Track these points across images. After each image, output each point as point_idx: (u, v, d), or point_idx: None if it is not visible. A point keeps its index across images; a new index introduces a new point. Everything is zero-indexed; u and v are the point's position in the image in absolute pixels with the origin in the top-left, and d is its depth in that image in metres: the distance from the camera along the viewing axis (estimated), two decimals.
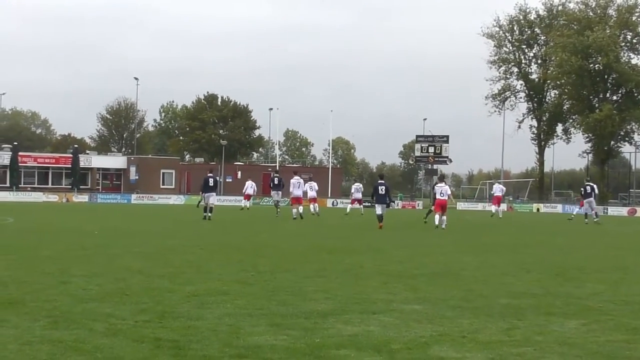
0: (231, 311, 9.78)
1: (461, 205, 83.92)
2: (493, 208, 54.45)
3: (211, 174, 40.78)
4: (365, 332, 8.62)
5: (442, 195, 35.04)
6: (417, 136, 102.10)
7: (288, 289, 11.95)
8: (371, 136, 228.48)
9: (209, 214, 38.35)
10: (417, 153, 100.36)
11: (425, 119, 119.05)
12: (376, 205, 35.20)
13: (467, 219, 48.88)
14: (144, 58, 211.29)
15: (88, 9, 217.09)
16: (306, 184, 45.09)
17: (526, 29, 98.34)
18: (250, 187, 55.40)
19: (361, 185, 56.53)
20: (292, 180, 42.20)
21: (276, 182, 47.20)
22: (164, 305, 10.07)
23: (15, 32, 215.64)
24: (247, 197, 54.99)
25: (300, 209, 41.40)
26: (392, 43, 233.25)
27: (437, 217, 34.58)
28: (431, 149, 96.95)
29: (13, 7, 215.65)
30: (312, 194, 46.41)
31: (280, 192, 47.37)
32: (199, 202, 49.90)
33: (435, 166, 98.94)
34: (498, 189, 54.18)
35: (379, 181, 35.91)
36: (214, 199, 39.87)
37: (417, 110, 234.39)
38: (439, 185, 36.21)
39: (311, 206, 46.22)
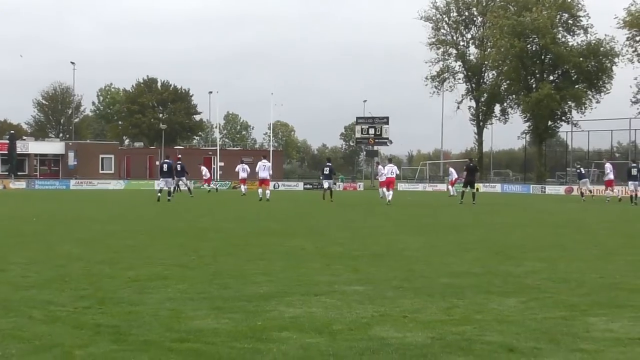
0: (172, 296, 9.74)
1: (402, 186, 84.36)
2: (451, 189, 58.93)
3: (167, 160, 42.72)
4: (307, 314, 8.64)
5: (391, 173, 41.99)
6: (358, 118, 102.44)
7: (230, 273, 11.92)
8: (312, 119, 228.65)
9: (169, 197, 41.26)
10: (358, 135, 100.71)
11: (365, 101, 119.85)
12: (323, 181, 46.27)
13: (408, 200, 49.16)
14: (87, 48, 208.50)
15: None
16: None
17: (464, 11, 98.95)
18: (242, 170, 55.27)
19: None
20: (259, 163, 44.74)
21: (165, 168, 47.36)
22: (104, 291, 9.99)
23: None
24: (243, 181, 54.85)
25: (267, 191, 44.05)
26: (335, 28, 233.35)
27: (383, 191, 42.43)
28: (371, 131, 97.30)
29: None
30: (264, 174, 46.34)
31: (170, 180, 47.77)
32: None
33: (375, 147, 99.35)
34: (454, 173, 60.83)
35: (327, 163, 46.63)
36: (170, 183, 42.52)
37: (358, 93, 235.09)
38: (389, 165, 43.16)
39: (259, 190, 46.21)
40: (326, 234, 20.42)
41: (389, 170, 42.45)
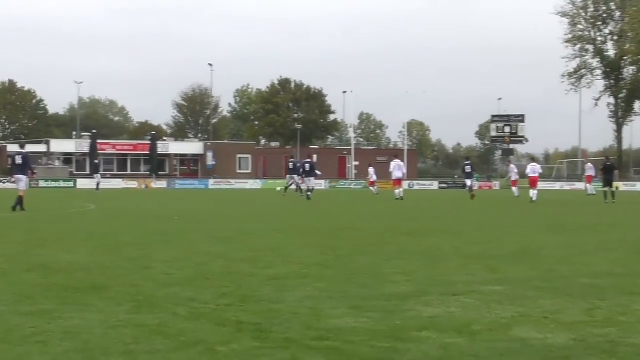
0: (311, 294, 9.82)
1: (539, 185, 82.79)
2: (589, 188, 57.04)
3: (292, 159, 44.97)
4: (446, 314, 8.59)
5: (534, 173, 43.17)
6: (493, 116, 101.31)
7: (367, 272, 11.96)
8: (447, 117, 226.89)
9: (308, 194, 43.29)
10: (493, 133, 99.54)
11: (500, 99, 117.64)
12: (465, 180, 49.37)
13: (545, 198, 48.29)
14: (221, 47, 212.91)
15: None
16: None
17: (601, 5, 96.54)
18: (373, 173, 57.22)
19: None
20: (392, 163, 45.75)
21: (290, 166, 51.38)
22: (245, 289, 10.16)
23: (93, 22, 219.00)
24: (372, 183, 56.88)
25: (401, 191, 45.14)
26: (468, 24, 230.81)
27: (530, 191, 42.29)
28: (507, 129, 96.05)
29: None
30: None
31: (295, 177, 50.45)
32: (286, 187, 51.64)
33: (511, 146, 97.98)
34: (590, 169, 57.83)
35: (466, 162, 49.53)
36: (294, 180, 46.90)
37: (493, 91, 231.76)
38: (531, 164, 44.25)
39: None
40: (462, 233, 20.25)
41: (531, 170, 43.37)
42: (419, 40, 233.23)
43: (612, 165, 43.81)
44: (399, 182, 45.11)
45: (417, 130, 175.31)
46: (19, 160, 29.47)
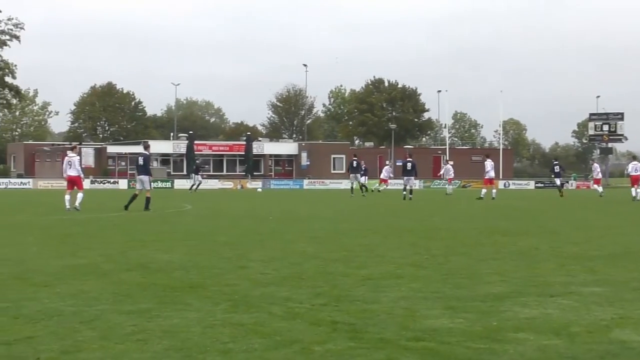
0: (406, 294, 9.79)
1: None
2: None
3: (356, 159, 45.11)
4: (544, 315, 8.47)
5: (636, 171, 42.97)
6: (591, 114, 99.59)
7: (462, 272, 11.87)
8: (543, 116, 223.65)
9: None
10: (591, 132, 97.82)
11: (598, 97, 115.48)
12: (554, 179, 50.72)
13: None
14: (316, 49, 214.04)
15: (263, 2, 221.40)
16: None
17: None
18: (390, 172, 57.72)
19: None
20: (485, 162, 45.93)
21: (354, 165, 51.42)
22: (339, 289, 10.18)
23: (191, 27, 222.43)
24: (384, 181, 57.62)
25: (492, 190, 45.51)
26: (563, 23, 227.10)
27: (632, 190, 42.50)
28: (605, 127, 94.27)
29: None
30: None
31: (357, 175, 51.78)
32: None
33: (610, 144, 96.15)
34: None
35: (554, 162, 51.81)
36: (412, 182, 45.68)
37: (589, 88, 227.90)
38: (633, 163, 44.11)
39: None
40: (560, 233, 19.93)
41: (633, 168, 43.70)
42: (516, 40, 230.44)
43: None
44: (491, 181, 45.06)
45: (512, 129, 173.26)
46: (140, 161, 30.24)
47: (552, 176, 54.59)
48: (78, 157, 30.39)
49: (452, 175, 59.15)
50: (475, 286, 10.46)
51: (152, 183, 29.80)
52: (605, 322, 8.12)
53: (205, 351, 6.81)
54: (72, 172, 29.65)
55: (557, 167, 52.78)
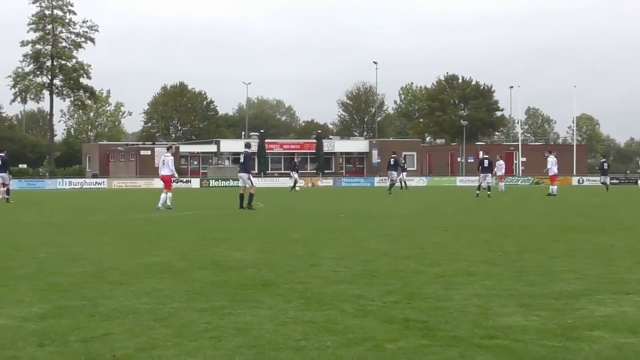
0: (479, 292, 9.73)
1: None
2: None
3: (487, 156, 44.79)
4: (619, 313, 8.35)
5: None
6: None
7: (536, 269, 11.75)
8: (618, 113, 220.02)
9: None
10: None
11: None
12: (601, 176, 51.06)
13: None
14: (390, 48, 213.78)
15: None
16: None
17: None
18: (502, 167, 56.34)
19: None
20: (548, 159, 44.66)
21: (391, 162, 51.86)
22: (412, 287, 10.15)
23: (264, 26, 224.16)
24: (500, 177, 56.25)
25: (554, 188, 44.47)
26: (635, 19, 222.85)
27: None
28: None
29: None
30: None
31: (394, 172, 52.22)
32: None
33: None
34: None
35: (602, 159, 49.72)
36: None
37: None
38: None
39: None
40: (636, 230, 19.59)
41: None
42: (588, 36, 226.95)
43: None
44: (555, 177, 44.58)
45: (586, 124, 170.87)
46: (241, 158, 30.90)
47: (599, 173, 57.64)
48: (172, 157, 31.51)
49: (503, 172, 58.08)
50: (549, 284, 10.35)
51: (252, 179, 30.22)
52: None
53: (278, 348, 6.85)
54: (165, 172, 30.60)
55: (605, 164, 55.08)
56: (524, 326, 7.71)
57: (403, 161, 62.96)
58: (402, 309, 8.61)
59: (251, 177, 30.43)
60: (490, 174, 44.16)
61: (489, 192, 42.38)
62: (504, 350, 6.77)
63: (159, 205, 29.84)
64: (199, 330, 7.62)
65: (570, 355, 6.60)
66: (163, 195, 30.20)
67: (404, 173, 61.34)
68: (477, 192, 42.79)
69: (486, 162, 43.53)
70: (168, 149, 32.45)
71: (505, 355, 6.60)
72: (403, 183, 59.28)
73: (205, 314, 8.41)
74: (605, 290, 9.82)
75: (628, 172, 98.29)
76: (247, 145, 31.93)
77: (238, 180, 31.46)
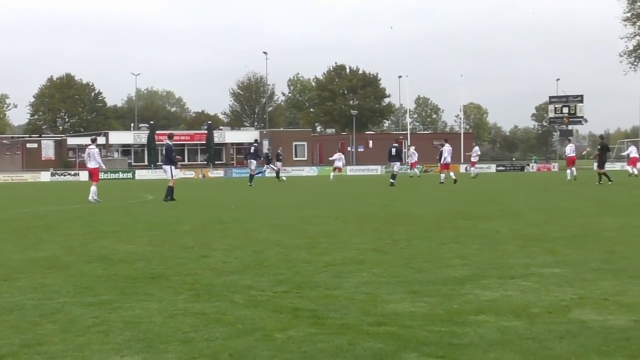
0: (368, 280, 9.83)
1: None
2: (629, 169, 53.56)
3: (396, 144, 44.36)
4: (504, 297, 8.54)
5: (635, 153, 48.27)
6: (551, 97, 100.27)
7: (424, 256, 11.93)
8: (502, 100, 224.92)
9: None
10: (551, 114, 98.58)
11: (558, 79, 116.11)
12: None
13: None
14: (275, 36, 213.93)
15: None
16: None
17: None
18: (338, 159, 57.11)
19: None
20: (445, 148, 46.26)
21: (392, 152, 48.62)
22: (302, 276, 10.19)
23: (150, 17, 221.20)
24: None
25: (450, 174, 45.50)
26: (524, 4, 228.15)
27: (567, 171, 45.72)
28: (565, 110, 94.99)
29: None
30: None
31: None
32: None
33: (570, 126, 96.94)
34: (633, 150, 53.81)
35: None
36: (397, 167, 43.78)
37: (550, 73, 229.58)
38: (632, 146, 48.66)
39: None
40: (521, 215, 20.08)
41: (570, 149, 47.52)
42: (474, 22, 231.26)
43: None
44: (447, 166, 45.72)
45: (473, 113, 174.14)
46: (163, 151, 31.64)
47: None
48: (97, 149, 31.19)
49: (416, 159, 59.83)
50: (437, 270, 10.52)
51: (173, 172, 29.81)
52: (565, 302, 8.21)
53: (167, 341, 6.79)
54: (92, 164, 30.38)
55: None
56: (412, 312, 7.81)
57: (413, 149, 63.68)
58: (291, 299, 8.63)
59: (172, 169, 30.02)
60: (399, 162, 44.00)
61: (392, 180, 42.13)
62: (392, 336, 6.85)
63: (90, 198, 29.56)
64: (86, 325, 7.49)
65: (456, 339, 6.71)
66: (93, 188, 30.00)
67: (279, 163, 59.86)
68: (392, 180, 42.17)
69: (394, 150, 43.12)
70: (93, 141, 31.83)
71: (392, 342, 6.67)
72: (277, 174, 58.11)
73: (93, 308, 8.28)
74: (490, 275, 10.03)
75: (514, 159, 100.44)
76: (170, 137, 31.76)
77: (163, 171, 31.17)
